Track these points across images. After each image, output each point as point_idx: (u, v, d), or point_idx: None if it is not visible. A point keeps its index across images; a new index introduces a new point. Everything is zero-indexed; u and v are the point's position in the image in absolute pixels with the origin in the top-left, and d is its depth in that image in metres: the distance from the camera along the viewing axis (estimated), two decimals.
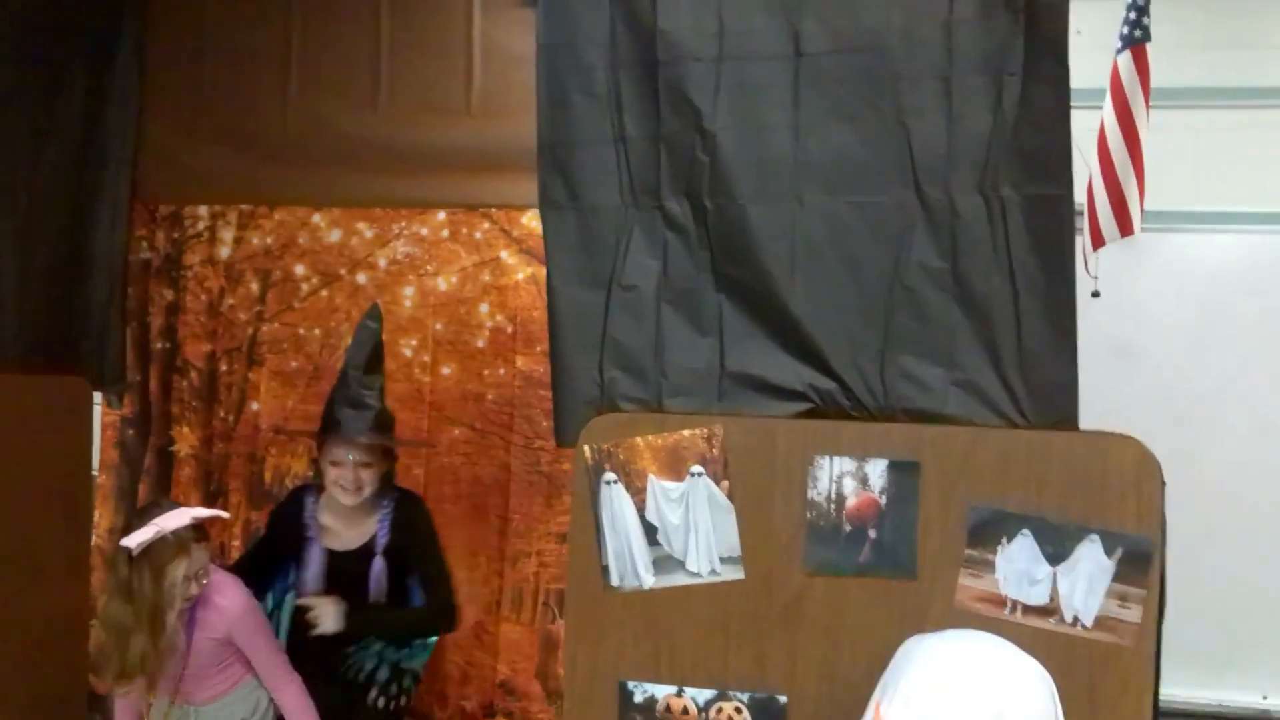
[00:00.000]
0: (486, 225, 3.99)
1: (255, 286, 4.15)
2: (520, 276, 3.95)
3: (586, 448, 1.97)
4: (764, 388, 2.01)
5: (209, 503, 4.15)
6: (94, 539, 4.13)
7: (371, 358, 3.37)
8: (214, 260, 4.18)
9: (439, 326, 4.01)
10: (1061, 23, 1.90)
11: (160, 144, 4.16)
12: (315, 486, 3.49)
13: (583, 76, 2.02)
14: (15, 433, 3.67)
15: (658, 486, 1.94)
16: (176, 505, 3.15)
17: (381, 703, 3.29)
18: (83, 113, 3.93)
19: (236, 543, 4.11)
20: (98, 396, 4.12)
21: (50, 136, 3.81)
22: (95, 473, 4.16)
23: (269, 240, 4.14)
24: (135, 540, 2.92)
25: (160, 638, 2.92)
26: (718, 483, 1.95)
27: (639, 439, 1.95)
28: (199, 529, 3.02)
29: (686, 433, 1.93)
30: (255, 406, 4.14)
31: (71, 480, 4.02)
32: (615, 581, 1.95)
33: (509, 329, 3.95)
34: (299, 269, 4.13)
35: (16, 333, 3.75)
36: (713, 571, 1.94)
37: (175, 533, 2.93)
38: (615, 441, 1.95)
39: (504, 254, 3.97)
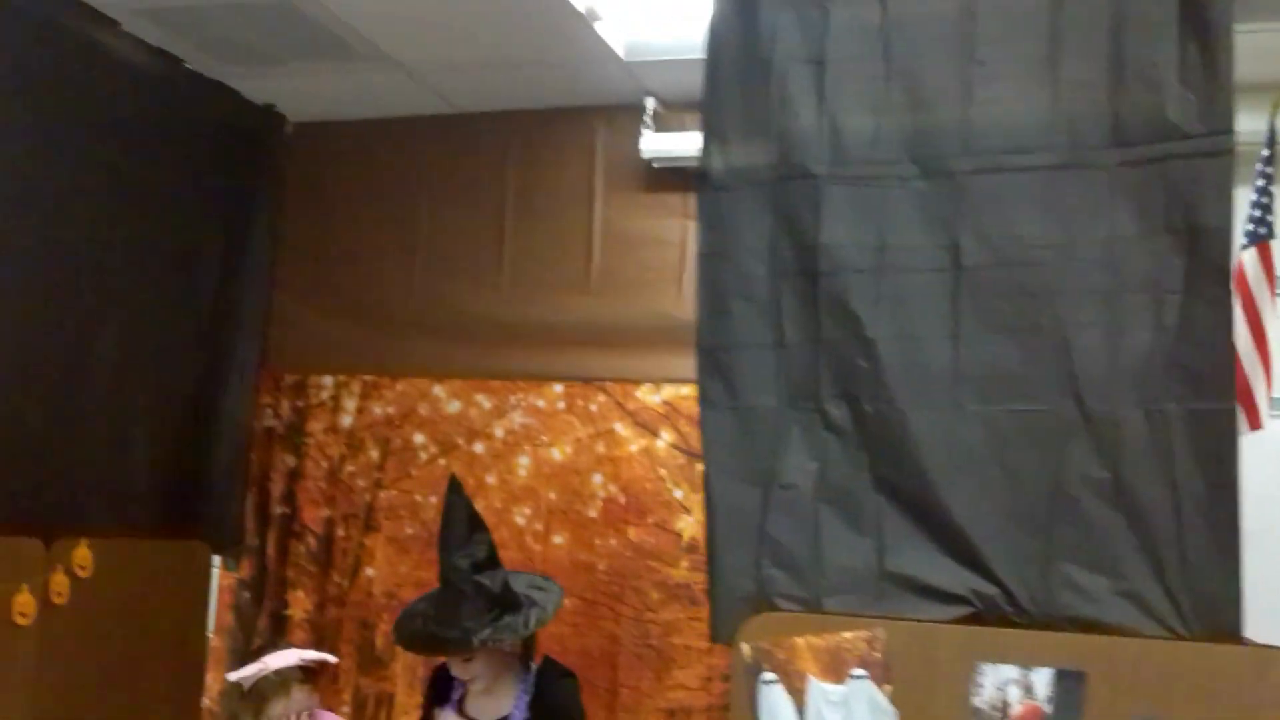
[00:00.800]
0: (601, 398, 4.08)
1: (375, 454, 4.26)
2: (634, 448, 4.02)
3: (745, 646, 2.00)
4: (924, 590, 2.04)
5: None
6: (205, 701, 4.18)
7: (467, 529, 3.13)
8: (336, 428, 4.31)
9: (552, 496, 4.08)
10: (1224, 247, 1.96)
11: (289, 316, 4.36)
12: None
13: (743, 284, 2.12)
14: (137, 595, 3.77)
15: (818, 688, 1.96)
16: (291, 647, 3.23)
17: None
18: (216, 286, 4.13)
19: (346, 708, 4.13)
20: (215, 559, 4.23)
21: (185, 309, 4.01)
22: (209, 634, 4.24)
23: (390, 409, 4.27)
24: (240, 675, 3.01)
25: None
26: (879, 686, 1.96)
27: (799, 639, 1.97)
28: (305, 671, 3.06)
29: (848, 635, 1.95)
30: (370, 572, 4.20)
31: (186, 642, 4.10)
32: None
33: (622, 500, 4.00)
34: (418, 437, 4.24)
35: (146, 497, 3.88)
36: None
37: (279, 671, 3.00)
38: (774, 640, 1.98)
39: (618, 426, 4.05)
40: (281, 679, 3.01)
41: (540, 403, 4.14)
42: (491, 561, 3.13)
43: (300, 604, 4.25)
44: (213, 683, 4.21)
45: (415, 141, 4.32)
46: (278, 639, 4.23)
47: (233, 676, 3.06)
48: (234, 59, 3.89)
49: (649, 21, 3.66)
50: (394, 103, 4.20)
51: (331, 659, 3.25)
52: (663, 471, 3.98)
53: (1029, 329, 2.03)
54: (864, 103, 2.05)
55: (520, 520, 4.09)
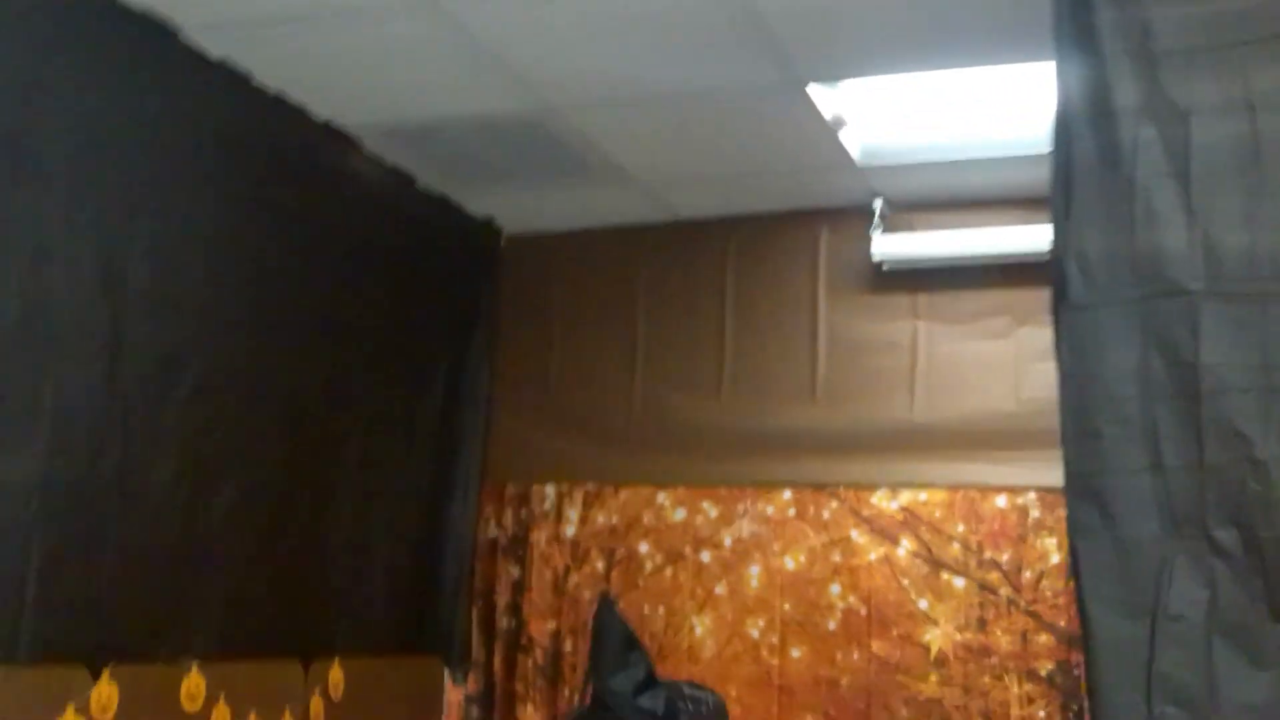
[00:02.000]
0: (834, 504, 3.99)
1: (600, 564, 4.22)
2: (872, 557, 3.91)
3: None
4: None
5: None
6: None
7: (623, 648, 3.03)
8: (559, 538, 4.28)
9: (787, 607, 3.98)
10: None
11: (509, 429, 4.37)
12: None
13: (1112, 406, 2.03)
14: (380, 715, 3.74)
15: None
16: None
17: None
18: (441, 403, 4.15)
19: None
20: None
21: (414, 426, 4.03)
22: None
23: (614, 518, 4.23)
24: None
25: None
26: None
27: None
28: None
29: None
30: None
31: None
32: None
33: (862, 611, 3.89)
34: (643, 547, 4.18)
35: (384, 614, 3.87)
36: None
37: None
38: None
39: (854, 534, 3.95)
40: None
41: (769, 510, 4.07)
42: (651, 680, 3.02)
43: (530, 719, 4.19)
44: None
45: (632, 250, 4.33)
46: None
47: None
48: (462, 175, 3.95)
49: (885, 126, 3.64)
50: (613, 212, 4.23)
51: None
52: (905, 581, 3.86)
53: None
54: (1237, 218, 1.97)
55: (754, 633, 4.00)
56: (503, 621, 4.29)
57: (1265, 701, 1.91)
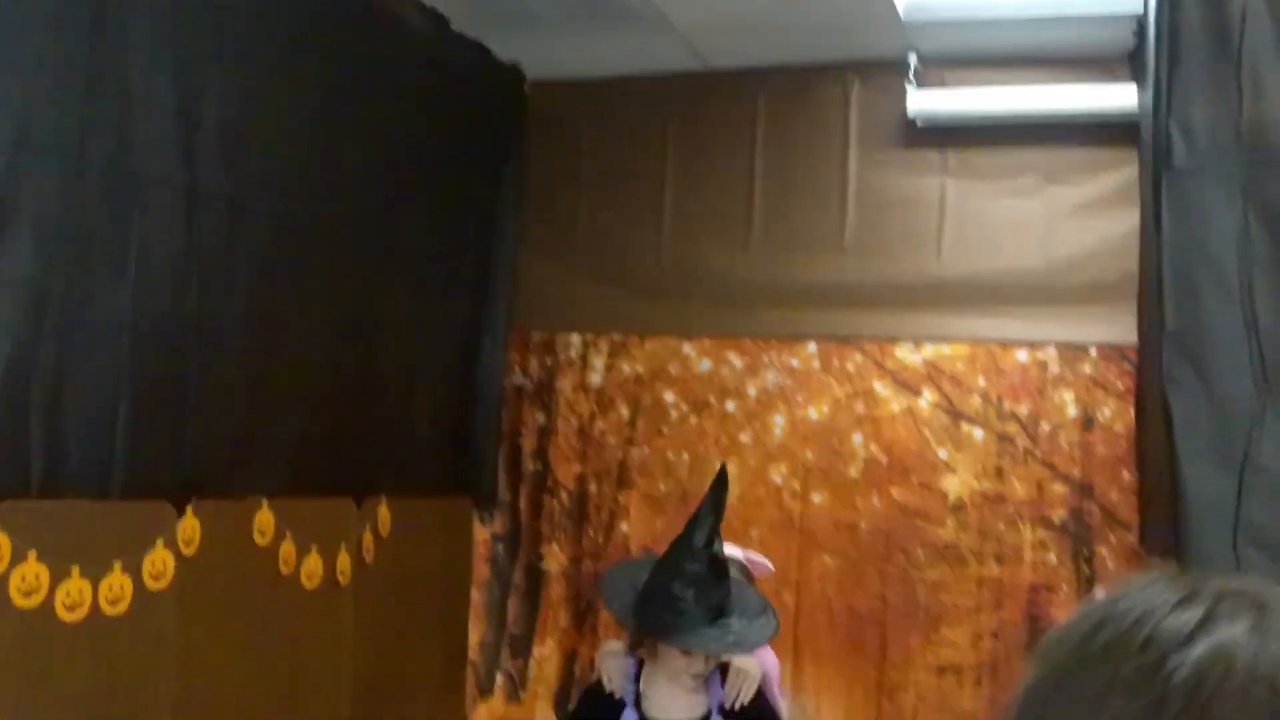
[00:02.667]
0: (859, 357, 4.11)
1: (625, 412, 4.32)
2: (895, 408, 4.05)
3: None
4: None
5: (579, 621, 4.29)
6: (468, 653, 4.30)
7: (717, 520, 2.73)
8: (585, 386, 4.36)
9: (810, 455, 4.12)
10: None
11: (536, 277, 4.40)
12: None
13: (1212, 269, 2.13)
14: (420, 553, 3.87)
15: None
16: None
17: None
18: (472, 247, 4.17)
19: None
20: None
21: (450, 270, 4.06)
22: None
23: (640, 368, 4.31)
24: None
25: None
26: None
27: None
28: (743, 568, 2.98)
29: None
30: (625, 528, 4.28)
31: (452, 596, 4.20)
32: None
33: (883, 460, 4.04)
34: (669, 396, 4.28)
35: (424, 456, 3.96)
36: None
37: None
38: None
39: (877, 385, 4.08)
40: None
41: (794, 362, 4.17)
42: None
43: (555, 558, 4.34)
44: (472, 632, 4.32)
45: (662, 99, 4.32)
46: (534, 592, 4.33)
47: None
48: (495, 19, 3.88)
49: None
50: (644, 59, 4.19)
51: (770, 566, 3.19)
52: (926, 431, 4.01)
53: None
54: None
55: (777, 479, 4.14)
56: (529, 465, 4.40)
57: None
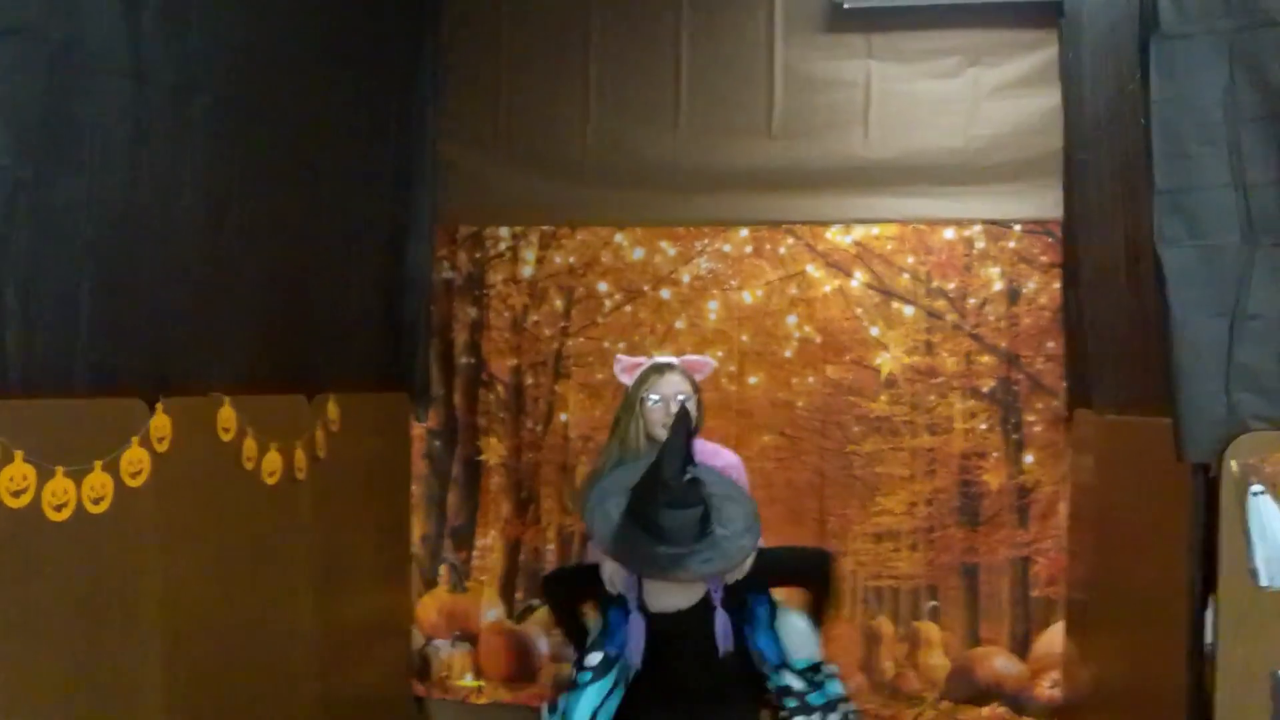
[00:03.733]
0: (790, 241, 4.18)
1: (559, 303, 4.31)
2: (827, 289, 4.15)
3: (1234, 463, 2.19)
4: None
5: (520, 511, 4.31)
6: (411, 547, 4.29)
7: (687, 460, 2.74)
8: (516, 279, 4.33)
9: (745, 338, 4.19)
10: None
11: (461, 169, 4.32)
12: None
13: (1200, 129, 2.23)
14: (363, 447, 3.83)
15: None
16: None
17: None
18: (395, 151, 4.07)
19: (551, 546, 4.27)
20: None
21: (378, 163, 3.95)
22: None
23: (571, 259, 4.30)
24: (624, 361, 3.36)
25: None
26: None
27: None
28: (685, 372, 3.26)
29: None
30: (564, 418, 4.30)
31: (393, 491, 4.19)
32: (1265, 582, 2.18)
33: (817, 340, 4.15)
34: (602, 286, 4.29)
35: (361, 352, 3.90)
36: None
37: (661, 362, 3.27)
38: (1262, 457, 2.18)
39: (809, 268, 4.16)
40: (664, 365, 3.21)
41: (727, 248, 4.22)
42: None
43: (494, 450, 4.34)
44: (414, 526, 4.31)
45: None
46: (474, 485, 4.33)
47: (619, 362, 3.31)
48: None
49: None
50: None
51: (711, 362, 3.39)
52: (858, 310, 4.12)
53: None
54: None
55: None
56: (463, 359, 4.36)
57: None
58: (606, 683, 2.79)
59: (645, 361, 3.27)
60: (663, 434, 3.03)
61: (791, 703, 2.86)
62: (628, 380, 3.25)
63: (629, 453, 3.14)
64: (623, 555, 2.70)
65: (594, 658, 2.82)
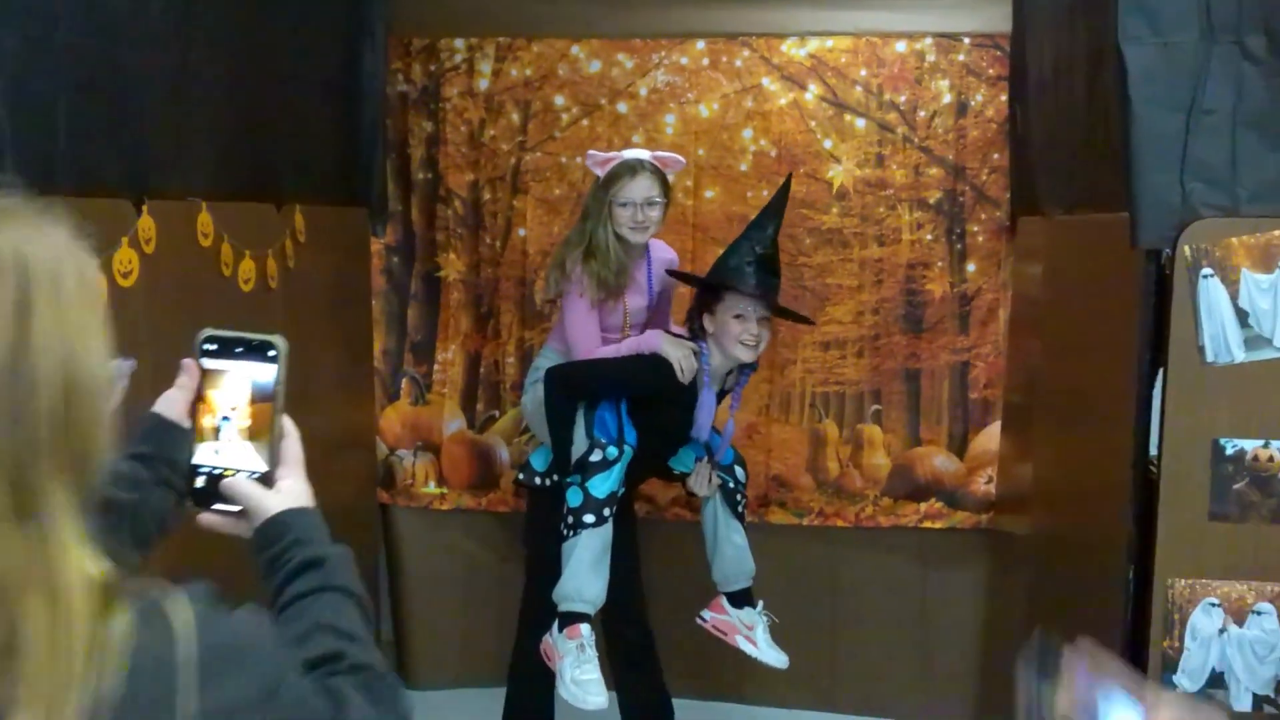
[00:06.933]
0: (747, 53, 4.21)
1: (516, 117, 4.32)
2: (782, 102, 4.21)
3: (1186, 248, 2.36)
4: None
5: (480, 325, 4.40)
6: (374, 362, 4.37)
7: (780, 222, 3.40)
8: (473, 92, 4.32)
9: (701, 152, 4.26)
10: None
11: None
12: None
13: None
14: (327, 260, 3.86)
15: (1250, 278, 2.34)
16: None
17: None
18: None
19: (511, 359, 4.38)
20: None
21: None
22: None
23: (528, 72, 4.29)
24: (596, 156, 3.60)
25: None
26: None
27: (1234, 240, 2.33)
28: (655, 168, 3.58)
29: (1277, 233, 2.33)
30: (522, 233, 4.35)
31: (354, 306, 4.24)
32: (1210, 358, 2.37)
33: (772, 153, 4.23)
34: (559, 99, 4.30)
35: (321, 165, 3.89)
36: None
37: (633, 159, 3.56)
38: (1212, 242, 2.34)
39: (765, 81, 4.21)
40: (635, 164, 3.42)
41: (684, 60, 4.24)
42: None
43: (453, 265, 4.39)
44: (375, 341, 4.38)
45: None
46: (433, 300, 4.39)
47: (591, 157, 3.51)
48: None
49: None
50: None
51: (681, 160, 3.62)
52: (812, 123, 4.20)
53: None
54: None
55: (669, 177, 4.25)
56: (419, 175, 4.37)
57: (1277, 177, 2.38)
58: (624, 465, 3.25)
59: (617, 156, 3.36)
60: (630, 235, 3.41)
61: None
62: (600, 172, 3.43)
63: (598, 249, 3.30)
64: (729, 275, 3.26)
65: (613, 450, 3.23)
